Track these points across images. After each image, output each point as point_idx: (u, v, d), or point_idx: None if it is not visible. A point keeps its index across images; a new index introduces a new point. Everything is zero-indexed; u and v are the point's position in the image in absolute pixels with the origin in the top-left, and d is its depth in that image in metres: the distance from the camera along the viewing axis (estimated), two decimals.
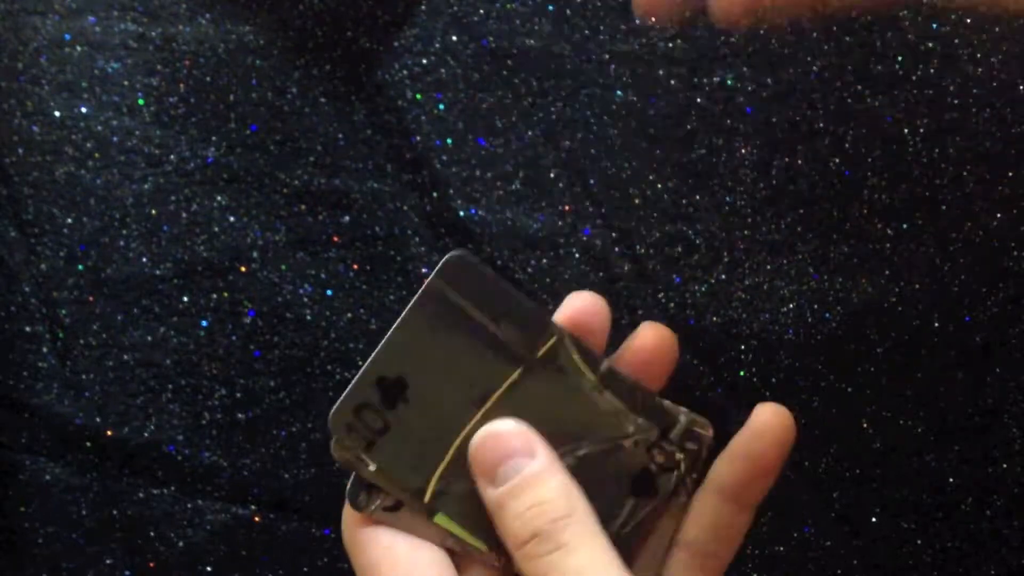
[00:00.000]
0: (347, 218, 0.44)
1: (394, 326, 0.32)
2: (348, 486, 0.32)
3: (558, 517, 0.28)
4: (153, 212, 0.44)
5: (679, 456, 0.32)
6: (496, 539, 0.30)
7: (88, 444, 0.44)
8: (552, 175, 0.44)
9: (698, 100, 0.43)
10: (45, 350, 0.44)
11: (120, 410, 0.44)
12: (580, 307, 0.32)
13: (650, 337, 0.32)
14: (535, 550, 0.28)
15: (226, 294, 0.44)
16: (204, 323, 0.44)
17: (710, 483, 0.32)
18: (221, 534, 0.44)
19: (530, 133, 0.44)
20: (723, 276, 0.43)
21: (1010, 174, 0.43)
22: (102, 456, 0.44)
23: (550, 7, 0.44)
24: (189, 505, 0.44)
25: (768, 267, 0.43)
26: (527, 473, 0.29)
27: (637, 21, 0.28)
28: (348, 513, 0.32)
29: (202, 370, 0.44)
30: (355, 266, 0.44)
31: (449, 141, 0.44)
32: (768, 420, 0.32)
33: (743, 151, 0.43)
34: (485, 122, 0.44)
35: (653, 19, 0.29)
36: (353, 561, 0.32)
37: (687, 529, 0.32)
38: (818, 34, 0.43)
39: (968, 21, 0.43)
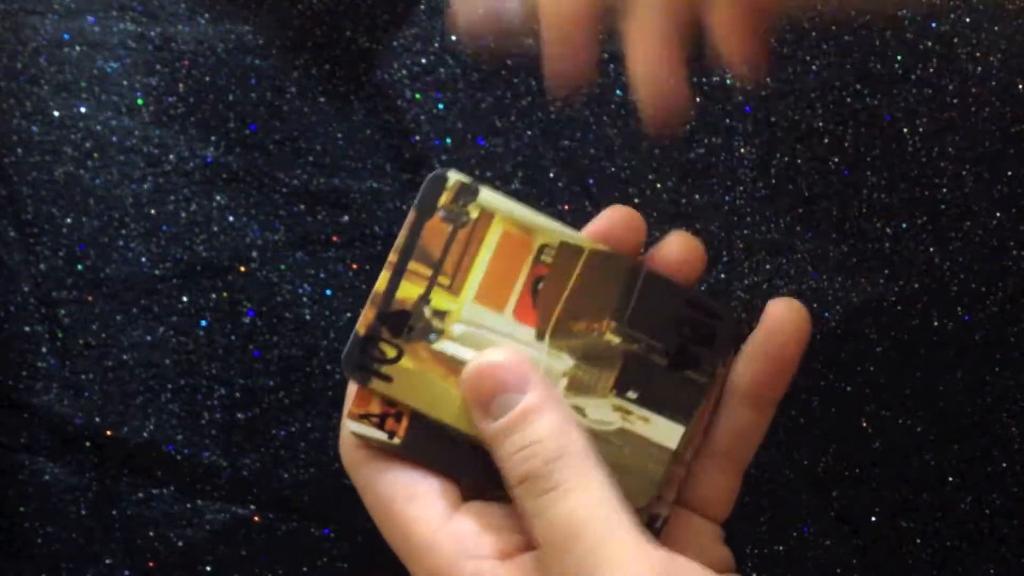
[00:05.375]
0: (346, 218, 0.44)
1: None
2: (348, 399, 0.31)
3: (549, 459, 0.27)
4: (152, 212, 0.44)
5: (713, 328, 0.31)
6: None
7: (87, 444, 0.44)
8: (551, 174, 0.44)
9: (697, 99, 0.43)
10: (44, 350, 0.44)
11: (119, 410, 0.44)
12: (615, 220, 0.31)
13: (675, 246, 0.31)
14: (527, 491, 0.28)
15: (225, 294, 0.44)
16: (203, 323, 0.44)
17: (727, 385, 0.32)
18: (220, 534, 0.44)
19: (529, 132, 0.44)
20: (723, 276, 0.43)
21: (1009, 173, 0.43)
22: (101, 456, 0.44)
23: None
24: (188, 505, 0.44)
25: (767, 266, 0.43)
26: (518, 411, 0.28)
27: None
28: (350, 442, 0.31)
29: (201, 370, 0.44)
30: (354, 266, 0.44)
31: (448, 140, 0.44)
32: (782, 316, 0.31)
33: (742, 150, 0.43)
34: (484, 122, 0.44)
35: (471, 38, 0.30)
36: (362, 491, 0.31)
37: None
38: (817, 33, 0.43)
39: (967, 20, 0.43)
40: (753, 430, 0.32)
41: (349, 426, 0.30)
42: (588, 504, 0.27)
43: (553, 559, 0.27)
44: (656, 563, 0.26)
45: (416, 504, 0.30)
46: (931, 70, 0.43)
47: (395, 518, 0.30)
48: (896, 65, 0.43)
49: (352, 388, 0.31)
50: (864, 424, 0.43)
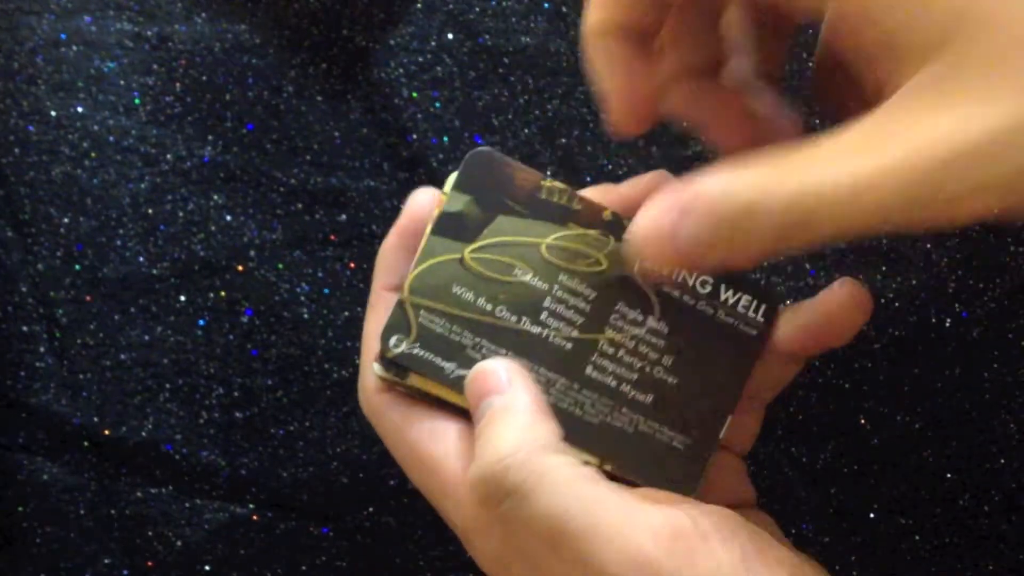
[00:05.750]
0: (344, 216, 0.44)
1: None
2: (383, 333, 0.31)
3: (502, 456, 0.26)
4: (150, 211, 0.44)
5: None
6: None
7: (86, 443, 0.44)
8: (548, 172, 0.44)
9: None
10: (42, 350, 0.44)
11: (118, 409, 0.44)
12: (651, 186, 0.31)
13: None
14: (485, 497, 0.27)
15: (223, 293, 0.44)
16: (201, 322, 0.44)
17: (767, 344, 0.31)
18: (219, 533, 0.44)
19: (526, 131, 0.44)
20: None
21: None
22: (100, 455, 0.44)
23: (546, 4, 0.44)
24: (187, 504, 0.44)
25: (764, 263, 0.43)
26: (489, 413, 0.28)
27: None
28: (371, 385, 0.31)
29: (199, 369, 0.44)
30: (352, 264, 0.44)
31: (446, 139, 0.44)
32: (847, 296, 0.30)
33: None
34: (481, 120, 0.44)
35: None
36: (386, 436, 0.31)
37: None
38: (815, 31, 0.43)
39: None
40: (784, 379, 0.32)
41: (376, 370, 0.31)
42: (561, 493, 0.26)
43: (543, 564, 0.26)
44: (656, 525, 0.25)
45: (441, 442, 0.30)
46: None
47: (422, 458, 0.30)
48: None
49: (372, 331, 0.31)
50: (862, 421, 0.43)
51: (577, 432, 0.30)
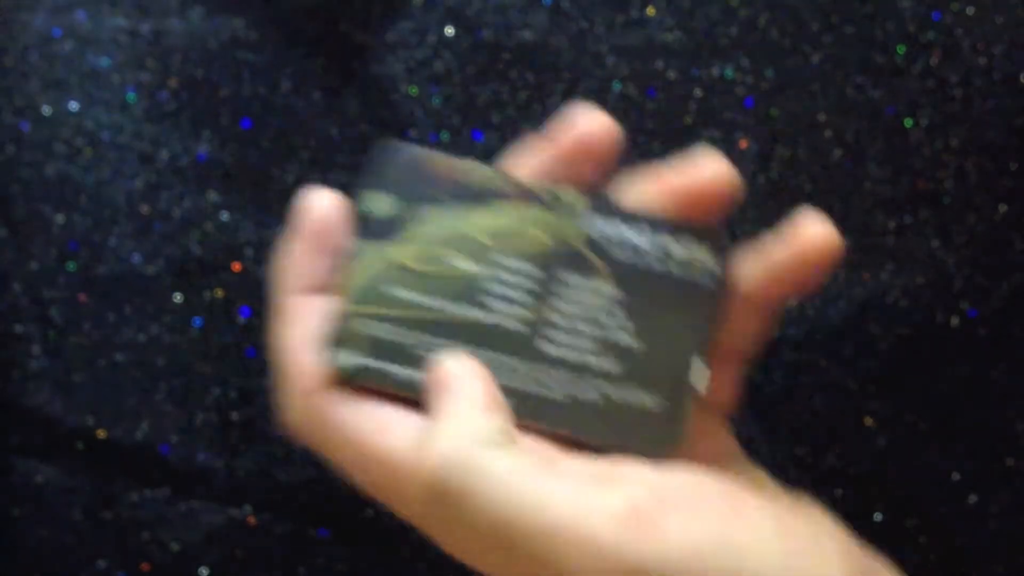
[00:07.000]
0: None
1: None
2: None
3: (441, 457, 0.25)
4: (145, 209, 0.44)
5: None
6: None
7: (80, 445, 0.44)
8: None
9: (697, 92, 0.43)
10: (36, 350, 0.44)
11: (112, 410, 0.44)
12: (588, 128, 0.29)
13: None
14: (431, 501, 0.26)
15: (220, 292, 0.44)
16: (197, 322, 0.44)
17: (735, 295, 0.30)
18: (216, 536, 0.44)
19: (527, 127, 0.44)
20: None
21: (1012, 166, 0.43)
22: (95, 457, 0.44)
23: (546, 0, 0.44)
24: (183, 507, 0.44)
25: None
26: (433, 412, 0.27)
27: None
28: (305, 387, 0.28)
29: (195, 369, 0.44)
30: None
31: (445, 135, 0.44)
32: (813, 233, 0.28)
33: (743, 144, 0.43)
34: (481, 116, 0.44)
35: None
36: (325, 442, 0.29)
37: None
38: (818, 25, 0.43)
39: (969, 12, 0.42)
40: (756, 330, 0.30)
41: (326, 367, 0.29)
42: (503, 492, 0.24)
43: (503, 563, 0.25)
44: (615, 507, 0.24)
45: (391, 434, 0.28)
46: (933, 62, 0.43)
47: (369, 455, 0.28)
48: (898, 57, 0.43)
49: (289, 339, 0.30)
50: (868, 421, 0.43)
51: (545, 411, 0.29)
